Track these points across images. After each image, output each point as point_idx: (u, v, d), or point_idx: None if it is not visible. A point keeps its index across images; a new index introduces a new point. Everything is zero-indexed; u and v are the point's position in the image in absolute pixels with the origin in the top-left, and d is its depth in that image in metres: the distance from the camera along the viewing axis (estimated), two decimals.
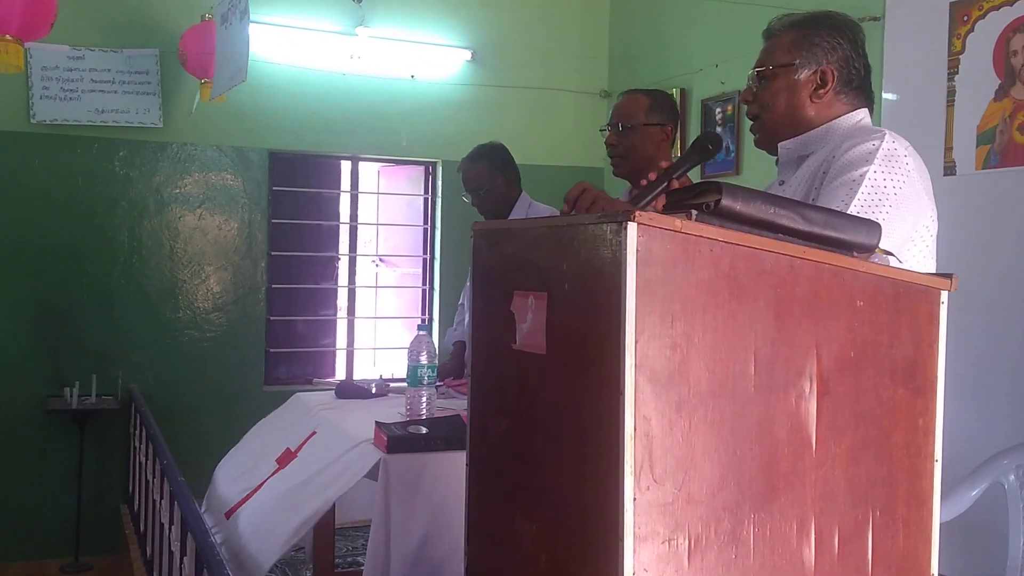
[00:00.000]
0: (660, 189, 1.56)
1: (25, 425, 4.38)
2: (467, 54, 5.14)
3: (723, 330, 1.19)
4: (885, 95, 3.50)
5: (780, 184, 1.80)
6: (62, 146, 4.41)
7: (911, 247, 1.60)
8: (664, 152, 2.65)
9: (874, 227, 1.31)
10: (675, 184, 1.55)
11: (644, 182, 1.60)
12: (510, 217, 3.36)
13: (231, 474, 2.96)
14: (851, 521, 1.29)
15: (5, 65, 3.36)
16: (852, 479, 1.29)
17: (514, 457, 1.42)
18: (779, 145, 1.80)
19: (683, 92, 4.73)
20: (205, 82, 4.26)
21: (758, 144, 1.87)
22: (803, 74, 1.74)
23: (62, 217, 4.43)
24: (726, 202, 1.19)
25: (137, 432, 4.05)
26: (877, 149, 1.58)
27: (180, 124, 4.60)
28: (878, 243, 1.31)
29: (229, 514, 2.67)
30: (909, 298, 1.33)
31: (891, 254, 1.49)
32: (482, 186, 3.44)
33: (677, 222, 1.15)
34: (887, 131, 1.65)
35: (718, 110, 4.51)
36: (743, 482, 1.20)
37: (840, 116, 1.76)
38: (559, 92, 5.35)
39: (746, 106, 1.86)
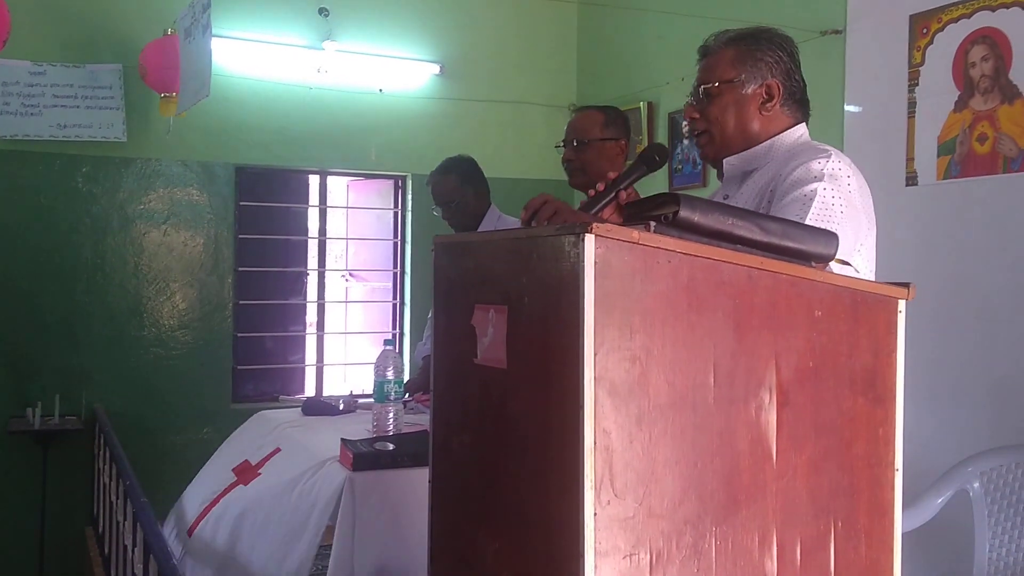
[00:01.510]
0: (608, 200, 1.58)
1: None
2: (435, 68, 5.14)
3: (682, 342, 1.19)
4: (847, 107, 3.54)
5: (724, 199, 1.82)
6: (23, 162, 4.35)
7: (855, 257, 1.63)
8: (619, 165, 2.70)
9: (831, 237, 1.32)
10: (623, 195, 1.56)
11: (592, 192, 1.61)
12: (479, 230, 3.35)
13: (193, 495, 2.92)
14: (813, 532, 1.28)
15: None
16: (813, 490, 1.29)
17: (477, 473, 1.41)
18: (724, 161, 1.83)
19: (650, 105, 4.76)
20: (165, 96, 4.21)
21: (706, 158, 1.89)
22: (750, 88, 1.77)
23: (23, 234, 4.36)
24: (684, 213, 1.19)
25: (101, 453, 3.98)
26: (824, 168, 1.63)
27: (144, 140, 4.55)
28: (835, 253, 1.31)
29: (191, 531, 2.63)
30: (867, 307, 1.34)
31: (848, 263, 1.50)
32: (451, 199, 3.44)
33: (635, 234, 1.15)
34: (832, 150, 1.70)
35: (685, 123, 4.54)
36: (704, 495, 1.19)
37: (783, 131, 1.79)
38: (528, 105, 5.36)
39: (690, 122, 1.87)
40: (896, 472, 1.36)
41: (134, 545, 2.68)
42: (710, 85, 1.79)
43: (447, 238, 1.60)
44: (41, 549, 4.27)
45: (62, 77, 4.33)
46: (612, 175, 1.62)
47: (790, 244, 1.27)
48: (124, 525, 2.98)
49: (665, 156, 1.71)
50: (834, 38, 3.56)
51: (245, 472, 2.70)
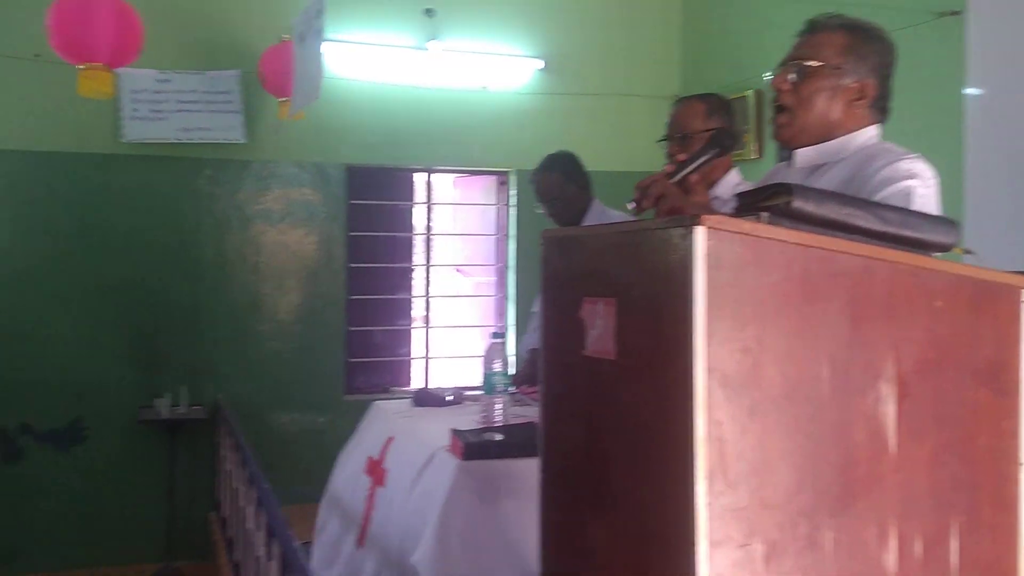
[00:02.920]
0: (684, 173, 1.58)
1: (119, 435, 4.56)
2: (539, 63, 5.17)
3: (796, 333, 1.18)
4: (970, 90, 3.40)
5: None
6: (151, 166, 4.60)
7: None
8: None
9: (951, 225, 1.28)
10: (693, 178, 1.56)
11: (663, 174, 1.61)
12: (582, 224, 3.36)
13: (344, 501, 3.01)
14: (934, 527, 1.26)
15: (96, 92, 3.52)
16: (935, 484, 1.26)
17: (587, 463, 1.43)
18: (799, 152, 1.78)
19: (758, 94, 4.67)
20: (283, 100, 4.38)
21: (780, 137, 1.82)
22: (848, 80, 1.73)
23: (153, 235, 4.61)
24: (798, 204, 1.18)
25: (224, 441, 4.18)
26: (912, 168, 1.62)
27: (262, 142, 4.75)
28: (956, 242, 1.28)
29: (361, 539, 2.72)
30: (989, 297, 1.30)
31: (971, 252, 1.45)
32: (554, 195, 3.45)
33: (747, 225, 1.14)
34: (915, 153, 1.68)
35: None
36: (820, 487, 1.18)
37: (857, 130, 1.76)
38: (630, 98, 5.33)
39: (776, 93, 1.80)
40: (1020, 467, 1.32)
41: (257, 529, 2.81)
42: (811, 64, 1.74)
43: (555, 232, 1.62)
44: (168, 532, 4.51)
45: (185, 83, 4.56)
46: (681, 157, 1.61)
47: (909, 233, 1.24)
48: (247, 510, 3.13)
49: (735, 141, 1.69)
50: (952, 19, 3.42)
51: (374, 470, 2.78)
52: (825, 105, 1.74)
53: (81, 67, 3.48)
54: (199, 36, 4.66)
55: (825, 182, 1.72)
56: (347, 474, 3.09)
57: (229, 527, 3.88)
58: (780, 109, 1.79)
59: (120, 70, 3.85)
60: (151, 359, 4.62)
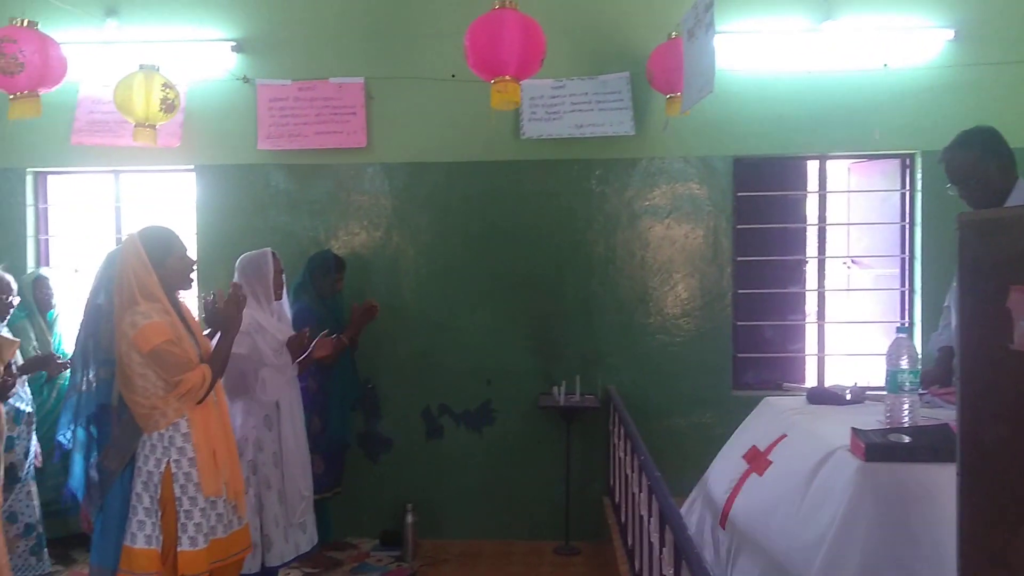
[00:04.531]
0: None
1: (522, 419, 4.96)
2: (948, 33, 4.69)
3: None
4: None
5: None
6: (547, 170, 4.93)
7: None
8: None
9: None
10: None
11: None
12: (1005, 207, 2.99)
13: (713, 484, 3.04)
14: None
15: (506, 102, 3.84)
16: None
17: (1014, 467, 1.27)
18: None
19: None
20: (671, 97, 4.45)
21: None
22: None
23: (549, 234, 4.94)
24: None
25: (616, 429, 4.35)
26: None
27: (649, 139, 4.87)
28: None
29: (723, 521, 2.74)
30: None
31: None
32: (971, 176, 3.11)
33: None
34: None
35: None
36: None
37: None
38: None
39: None
40: None
41: (650, 515, 2.88)
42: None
43: (973, 215, 1.47)
44: (567, 513, 4.80)
45: (578, 88, 4.84)
46: None
47: None
48: (640, 497, 3.22)
49: None
50: None
51: (756, 459, 2.74)
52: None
53: (493, 81, 3.81)
54: (591, 44, 4.90)
55: None
56: (724, 459, 3.08)
57: (622, 512, 4.03)
58: None
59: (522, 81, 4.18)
60: (548, 349, 4.95)
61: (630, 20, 4.87)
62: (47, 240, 5.32)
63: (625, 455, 3.88)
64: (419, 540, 4.75)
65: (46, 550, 4.20)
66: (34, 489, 4.09)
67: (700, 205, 4.92)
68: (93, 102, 5.03)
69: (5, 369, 3.33)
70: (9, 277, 4.03)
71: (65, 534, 4.51)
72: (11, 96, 3.92)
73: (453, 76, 4.77)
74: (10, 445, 3.77)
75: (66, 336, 4.55)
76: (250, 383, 3.51)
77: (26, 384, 4.08)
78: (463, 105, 4.83)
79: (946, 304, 3.39)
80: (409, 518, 4.69)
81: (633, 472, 3.52)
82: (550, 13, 4.30)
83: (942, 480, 2.03)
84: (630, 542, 3.63)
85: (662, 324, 4.92)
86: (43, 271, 4.67)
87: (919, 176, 4.86)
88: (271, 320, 3.62)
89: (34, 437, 4.06)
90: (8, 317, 4.02)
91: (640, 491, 3.20)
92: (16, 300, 4.06)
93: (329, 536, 4.57)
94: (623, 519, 3.95)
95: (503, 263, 4.95)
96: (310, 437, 3.85)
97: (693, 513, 3.13)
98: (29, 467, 4.04)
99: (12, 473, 3.83)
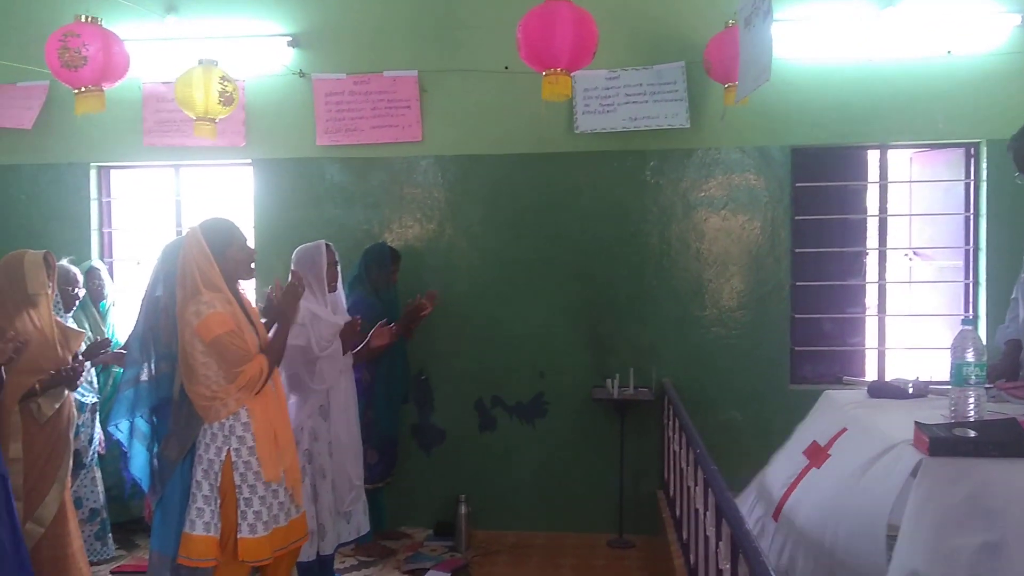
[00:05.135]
0: None
1: (574, 412, 4.95)
2: (1015, 19, 4.54)
3: None
4: None
5: None
6: (600, 161, 4.89)
7: None
8: None
9: None
10: None
11: None
12: None
13: (772, 478, 3.00)
14: None
15: (557, 95, 3.83)
16: None
17: None
18: None
19: None
20: (728, 86, 4.38)
21: None
22: None
23: (601, 226, 4.91)
24: None
25: (670, 422, 4.31)
26: None
27: (705, 129, 4.81)
28: None
29: (776, 514, 2.71)
30: None
31: None
32: None
33: None
34: None
35: None
36: None
37: None
38: None
39: None
40: None
41: (706, 509, 2.85)
42: None
43: None
44: (620, 506, 4.78)
45: (632, 79, 4.79)
46: None
47: None
48: (695, 490, 3.19)
49: None
50: None
51: (816, 454, 2.70)
52: None
53: (545, 73, 3.80)
54: (646, 34, 4.85)
55: None
56: (784, 456, 3.03)
57: (676, 506, 4.00)
58: None
59: (575, 73, 4.15)
60: (601, 342, 4.93)
61: (685, 8, 4.81)
62: (110, 233, 5.44)
63: (680, 448, 3.84)
64: (472, 531, 4.77)
65: (111, 535, 4.31)
66: (98, 475, 4.21)
67: (757, 196, 4.84)
68: (158, 100, 5.14)
69: (73, 358, 3.42)
70: (75, 269, 4.14)
71: (127, 519, 4.63)
72: (76, 91, 4.01)
73: (506, 68, 4.76)
74: (75, 433, 3.87)
75: (119, 327, 4.65)
76: (305, 374, 3.55)
77: (92, 373, 4.19)
78: (516, 97, 4.82)
79: (1014, 296, 3.28)
80: (462, 509, 4.71)
81: (688, 466, 3.48)
82: (605, 1, 4.26)
83: (1012, 475, 1.97)
84: (685, 536, 3.60)
85: (718, 316, 4.86)
86: (94, 263, 4.75)
87: (984, 166, 4.73)
88: (326, 311, 3.66)
89: (98, 424, 4.17)
90: (74, 308, 4.13)
91: (696, 485, 3.17)
92: (82, 292, 4.17)
93: (383, 525, 4.62)
94: (678, 513, 3.92)
95: (556, 255, 4.93)
96: (363, 428, 3.89)
97: (748, 509, 3.08)
98: (93, 454, 4.16)
99: (78, 459, 3.94)
